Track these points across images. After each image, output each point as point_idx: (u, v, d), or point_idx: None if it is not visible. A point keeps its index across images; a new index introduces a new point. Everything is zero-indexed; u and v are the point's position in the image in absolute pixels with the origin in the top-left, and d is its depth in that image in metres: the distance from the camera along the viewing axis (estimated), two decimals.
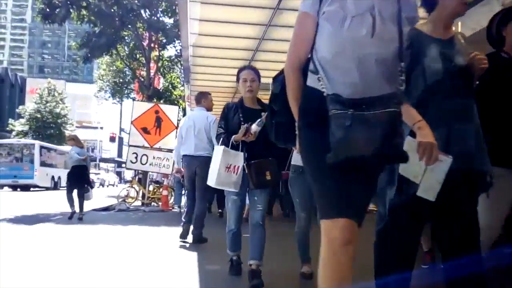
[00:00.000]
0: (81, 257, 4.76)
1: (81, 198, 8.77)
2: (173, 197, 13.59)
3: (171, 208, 11.95)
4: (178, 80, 18.88)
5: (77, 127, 45.81)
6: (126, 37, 15.55)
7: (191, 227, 5.81)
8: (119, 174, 56.75)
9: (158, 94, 16.69)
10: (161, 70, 17.79)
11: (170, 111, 12.21)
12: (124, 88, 22.72)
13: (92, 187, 9.63)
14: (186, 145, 5.50)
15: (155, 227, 7.52)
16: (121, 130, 62.11)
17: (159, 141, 12.03)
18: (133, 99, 16.18)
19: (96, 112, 61.63)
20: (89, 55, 14.24)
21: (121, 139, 59.82)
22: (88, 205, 11.13)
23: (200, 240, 5.56)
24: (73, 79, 65.78)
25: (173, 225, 7.91)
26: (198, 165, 5.35)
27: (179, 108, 13.00)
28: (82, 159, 8.76)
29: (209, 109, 5.85)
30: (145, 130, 12.06)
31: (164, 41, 15.54)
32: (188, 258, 4.78)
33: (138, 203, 13.17)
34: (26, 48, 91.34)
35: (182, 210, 11.60)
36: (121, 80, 20.94)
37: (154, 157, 11.98)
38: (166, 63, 17.53)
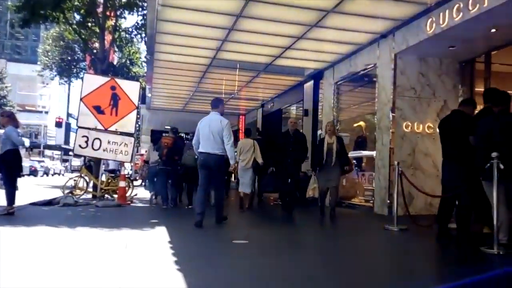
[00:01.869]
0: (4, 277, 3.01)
1: (12, 189, 6.90)
2: (131, 189, 11.76)
3: (129, 202, 10.12)
4: (137, 55, 16.79)
5: (18, 110, 42.03)
6: (77, 1, 13.34)
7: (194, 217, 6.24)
8: (66, 162, 53.18)
9: (114, 70, 14.61)
10: (118, 42, 15.68)
11: (130, 88, 10.32)
12: (73, 67, 20.26)
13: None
14: (203, 144, 6.34)
15: (112, 230, 5.77)
16: (69, 115, 58.19)
17: (115, 122, 10.12)
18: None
19: (41, 95, 57.36)
20: (29, 18, 11.94)
21: (68, 124, 55.97)
22: (25, 198, 9.10)
23: (221, 219, 6.56)
24: (15, 59, 60.67)
25: (136, 225, 6.19)
26: (214, 161, 6.28)
27: (140, 84, 11.09)
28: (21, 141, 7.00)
29: (222, 113, 6.72)
30: (98, 109, 10.11)
31: (122, 8, 13.51)
32: (165, 277, 3.16)
33: (89, 196, 11.23)
34: None
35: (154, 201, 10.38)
36: (69, 58, 18.54)
37: (109, 142, 10.08)
38: (124, 35, 15.44)
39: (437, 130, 8.39)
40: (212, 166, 6.27)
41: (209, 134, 6.25)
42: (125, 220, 7.27)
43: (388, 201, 8.28)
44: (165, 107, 19.00)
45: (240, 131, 20.24)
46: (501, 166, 4.33)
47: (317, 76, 12.05)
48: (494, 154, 4.36)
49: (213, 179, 6.39)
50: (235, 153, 7.46)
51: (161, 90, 15.30)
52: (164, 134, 18.87)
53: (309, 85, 12.49)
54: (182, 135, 24.45)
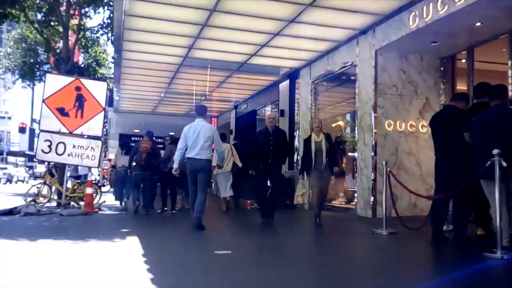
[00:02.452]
0: None
1: None
2: (98, 196, 11.08)
3: (97, 210, 9.45)
4: (104, 56, 16.01)
5: None
6: None
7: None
8: (31, 168, 51.06)
9: (79, 71, 13.85)
10: (83, 43, 14.88)
11: (96, 88, 9.65)
12: (36, 70, 19.25)
13: None
14: (192, 149, 6.48)
15: (78, 242, 5.18)
16: (33, 120, 55.99)
17: (81, 125, 9.44)
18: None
19: (4, 100, 54.91)
20: None
21: (32, 130, 53.72)
22: None
23: (199, 226, 6.26)
24: None
25: (104, 236, 5.62)
26: (202, 165, 6.46)
27: (108, 86, 10.42)
28: None
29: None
30: (62, 112, 9.40)
31: (87, 5, 12.78)
32: None
33: (54, 204, 10.48)
34: None
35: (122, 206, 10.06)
36: (32, 60, 17.61)
37: (74, 146, 9.39)
38: (89, 35, 14.63)
39: (421, 128, 8.33)
40: (200, 170, 6.49)
41: (198, 140, 6.46)
42: (92, 230, 6.67)
43: (372, 203, 7.98)
44: (134, 109, 18.29)
45: None
46: (504, 164, 4.02)
47: (293, 76, 11.72)
48: (495, 151, 4.05)
49: (199, 181, 6.51)
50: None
51: (129, 91, 14.62)
52: (139, 138, 18.16)
53: (284, 84, 12.14)
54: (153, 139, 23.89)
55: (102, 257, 4.34)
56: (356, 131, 8.64)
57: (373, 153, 8.07)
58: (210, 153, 6.57)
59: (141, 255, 4.42)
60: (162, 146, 12.84)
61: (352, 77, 9.09)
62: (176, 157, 6.65)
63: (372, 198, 8.00)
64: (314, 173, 6.82)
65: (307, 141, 7.01)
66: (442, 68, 8.45)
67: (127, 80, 13.02)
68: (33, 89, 32.92)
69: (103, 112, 9.70)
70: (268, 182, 7.72)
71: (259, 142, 7.43)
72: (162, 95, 15.07)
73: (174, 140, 10.61)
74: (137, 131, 19.77)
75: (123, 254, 4.56)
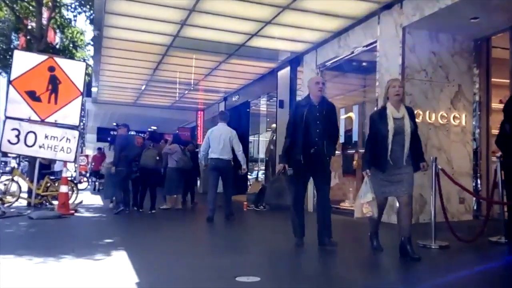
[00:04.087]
0: None
1: None
2: (75, 195, 9.74)
3: (73, 212, 8.08)
4: (81, 38, 14.48)
5: None
6: None
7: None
8: (6, 164, 48.42)
9: (54, 52, 12.33)
10: (58, 22, 13.33)
11: (73, 69, 8.27)
12: (8, 56, 17.51)
13: None
14: (215, 150, 7.20)
15: (47, 260, 3.89)
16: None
17: (55, 112, 8.07)
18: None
19: None
20: None
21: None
22: None
23: (230, 215, 7.27)
24: None
25: (82, 249, 4.32)
26: (224, 165, 7.22)
27: (87, 66, 9.02)
28: None
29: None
30: (32, 96, 8.02)
31: None
32: None
33: (24, 203, 9.09)
34: None
35: (111, 205, 9.14)
36: (4, 47, 15.94)
37: (46, 136, 8.01)
38: (66, 13, 13.10)
39: (453, 120, 7.23)
40: (222, 169, 7.21)
41: (221, 142, 7.20)
42: (67, 240, 5.35)
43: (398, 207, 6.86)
44: (114, 100, 16.78)
45: (199, 128, 18.40)
46: None
47: (294, 62, 10.53)
48: None
49: (223, 180, 7.35)
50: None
51: (110, 78, 13.16)
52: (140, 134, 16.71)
53: (284, 72, 10.93)
54: (133, 132, 22.37)
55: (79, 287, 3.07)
56: None
57: None
58: (231, 155, 7.28)
59: (135, 284, 3.16)
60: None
61: (368, 62, 7.97)
62: (201, 157, 7.60)
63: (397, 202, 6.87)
64: (388, 167, 4.22)
65: (380, 117, 4.28)
66: (475, 52, 7.40)
67: (108, 65, 11.58)
68: (7, 78, 30.90)
69: (80, 98, 8.34)
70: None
71: (297, 121, 4.73)
72: (147, 83, 13.67)
73: (151, 136, 9.42)
74: (115, 124, 18.28)
75: (108, 282, 3.29)
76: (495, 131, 7.60)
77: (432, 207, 4.99)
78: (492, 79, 7.38)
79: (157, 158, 8.91)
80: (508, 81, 6.97)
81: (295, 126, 4.74)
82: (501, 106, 6.79)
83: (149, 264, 3.91)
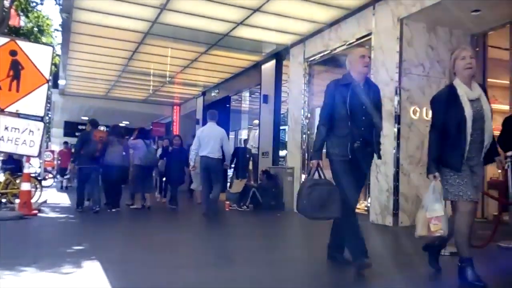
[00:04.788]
0: None
1: None
2: (39, 192, 8.93)
3: (36, 211, 7.28)
4: (47, 22, 13.50)
5: None
6: None
7: None
8: None
9: (18, 36, 11.38)
10: (22, 4, 12.36)
11: (38, 54, 7.44)
12: None
13: None
14: (205, 148, 7.39)
15: (4, 275, 3.21)
16: None
17: (16, 101, 7.24)
18: None
19: None
20: None
21: None
22: None
23: (214, 213, 7.47)
24: None
25: (47, 259, 3.65)
26: (214, 163, 7.40)
27: (54, 51, 8.18)
28: None
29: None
30: None
31: None
32: None
33: None
34: None
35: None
36: None
37: (6, 128, 7.18)
38: None
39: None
40: (212, 167, 7.40)
41: (210, 141, 7.38)
42: (28, 247, 4.63)
43: (393, 209, 6.45)
44: (83, 92, 15.84)
45: (174, 123, 17.67)
46: None
47: (280, 55, 10.02)
48: None
49: (212, 178, 7.44)
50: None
51: (79, 68, 12.28)
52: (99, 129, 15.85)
53: (269, 66, 10.40)
54: (103, 128, 21.35)
55: None
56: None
57: (395, 146, 6.53)
58: (221, 153, 7.43)
59: None
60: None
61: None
62: (192, 156, 7.72)
63: (393, 203, 6.46)
64: (465, 172, 3.22)
65: (450, 100, 3.25)
66: (472, 46, 7.05)
67: (77, 53, 10.75)
68: None
69: (46, 86, 7.53)
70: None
71: (337, 105, 3.58)
72: (119, 74, 12.87)
73: (113, 130, 8.73)
74: (86, 118, 17.27)
75: None
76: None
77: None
78: (489, 72, 7.10)
79: (124, 154, 8.20)
80: (504, 81, 6.71)
81: (334, 111, 3.57)
82: (497, 106, 6.57)
83: (129, 279, 3.29)
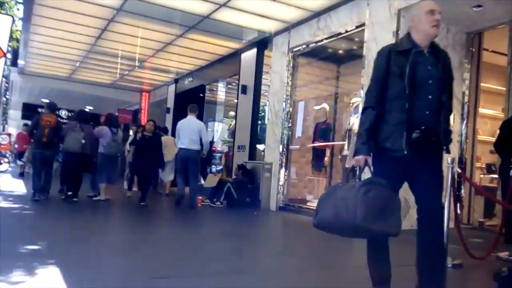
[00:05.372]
0: None
1: None
2: None
3: None
4: None
5: None
6: None
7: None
8: None
9: None
10: None
11: None
12: None
13: None
14: (184, 140, 7.64)
15: None
16: None
17: None
18: None
19: None
20: None
21: None
22: None
23: (193, 205, 7.70)
24: None
25: (1, 268, 2.98)
26: (191, 155, 7.62)
27: (13, 22, 7.32)
28: None
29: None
30: None
31: None
32: None
33: None
34: None
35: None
36: None
37: None
38: None
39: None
40: (190, 159, 7.60)
41: (190, 134, 7.60)
42: None
43: None
44: (45, 72, 14.74)
45: (143, 111, 16.82)
46: None
47: (261, 44, 9.48)
48: None
49: (190, 170, 7.64)
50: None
51: (42, 45, 11.29)
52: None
53: (249, 55, 9.84)
54: (65, 112, 20.15)
55: None
56: (359, 116, 6.62)
57: None
58: (199, 145, 7.64)
59: None
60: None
61: (351, 48, 7.10)
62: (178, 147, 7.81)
63: None
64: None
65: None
66: (468, 45, 6.77)
67: (40, 28, 9.82)
68: None
69: (3, 60, 6.72)
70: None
71: (391, 78, 2.59)
72: (86, 55, 11.97)
73: (77, 116, 8.01)
74: (47, 101, 16.17)
75: None
76: (482, 137, 7.13)
77: (445, 217, 4.14)
78: (484, 73, 6.86)
79: (83, 141, 7.42)
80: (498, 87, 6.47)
81: (387, 87, 2.58)
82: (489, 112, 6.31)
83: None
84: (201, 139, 7.69)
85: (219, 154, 13.86)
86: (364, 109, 2.65)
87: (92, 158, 7.92)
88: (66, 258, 3.43)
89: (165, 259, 3.77)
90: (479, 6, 5.91)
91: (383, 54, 2.62)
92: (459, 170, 4.21)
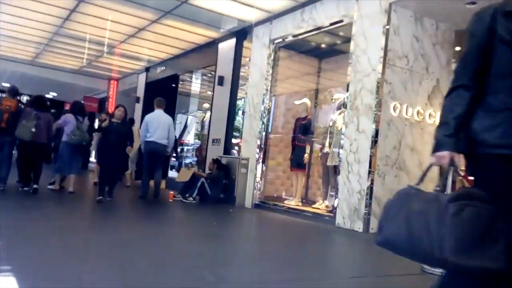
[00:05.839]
0: None
1: None
2: None
3: None
4: None
5: None
6: None
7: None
8: None
9: None
10: None
11: None
12: None
13: None
14: (153, 134, 7.67)
15: None
16: None
17: None
18: None
19: None
20: None
21: None
22: None
23: (156, 195, 7.84)
24: None
25: None
26: (160, 148, 7.75)
27: None
28: None
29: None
30: None
31: None
32: None
33: None
34: None
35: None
36: None
37: None
38: None
39: (428, 118, 6.34)
40: (158, 152, 7.71)
41: (159, 128, 7.63)
42: None
43: (365, 212, 5.81)
44: (5, 55, 13.80)
45: (110, 99, 16.08)
46: None
47: (240, 34, 9.07)
48: None
49: (156, 163, 7.79)
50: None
51: (3, 25, 10.50)
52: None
53: (227, 45, 9.41)
54: (26, 98, 19.09)
55: None
56: (346, 113, 6.35)
57: (371, 145, 5.88)
58: (167, 139, 7.76)
59: None
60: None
61: (335, 42, 6.82)
62: (142, 139, 7.85)
63: (364, 206, 5.82)
64: None
65: None
66: (456, 43, 6.62)
67: (3, 5, 9.06)
68: None
69: None
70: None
71: (497, 47, 1.72)
72: (51, 37, 11.22)
73: (33, 102, 7.41)
74: (7, 85, 15.18)
75: None
76: None
77: None
78: None
79: (33, 130, 6.79)
80: None
81: (490, 60, 1.76)
82: None
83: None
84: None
85: (190, 147, 13.39)
86: (451, 90, 1.84)
87: (48, 147, 7.38)
88: (24, 265, 2.95)
89: (137, 267, 3.34)
90: (473, 3, 5.70)
91: (485, 15, 1.82)
92: (462, 174, 3.90)
